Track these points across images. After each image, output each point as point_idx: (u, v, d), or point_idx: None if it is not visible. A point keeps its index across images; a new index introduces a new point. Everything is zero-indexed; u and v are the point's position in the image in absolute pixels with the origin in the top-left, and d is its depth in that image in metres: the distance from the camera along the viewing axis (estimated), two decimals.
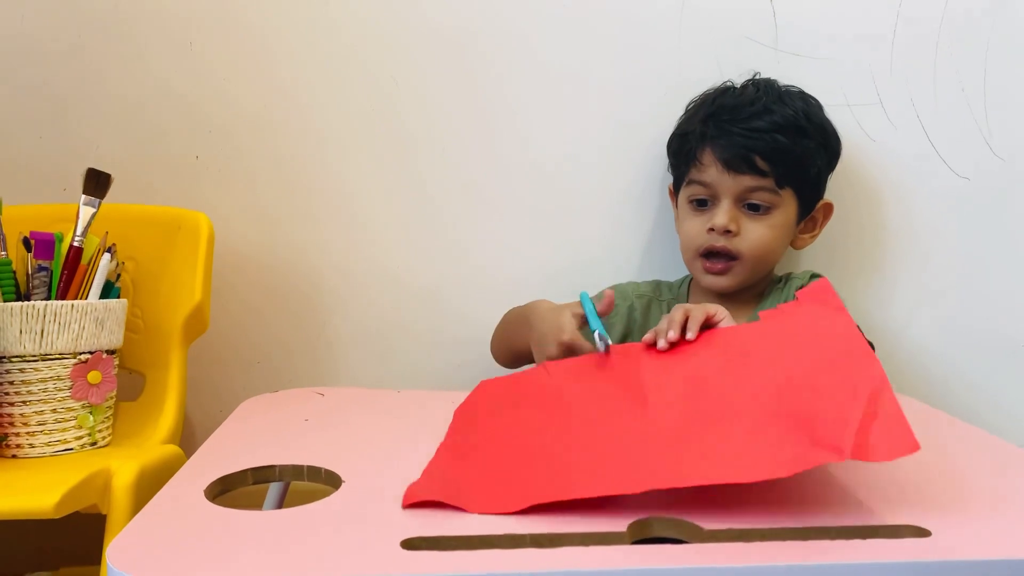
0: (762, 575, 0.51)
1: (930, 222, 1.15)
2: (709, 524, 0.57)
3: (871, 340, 0.93)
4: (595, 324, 0.84)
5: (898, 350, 1.15)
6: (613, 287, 1.08)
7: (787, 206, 1.00)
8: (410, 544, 0.54)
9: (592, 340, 0.82)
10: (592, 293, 0.95)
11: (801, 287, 1.01)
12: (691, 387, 0.71)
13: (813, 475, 0.67)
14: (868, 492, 0.64)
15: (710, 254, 1.01)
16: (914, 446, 0.55)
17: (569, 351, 0.86)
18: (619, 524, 0.57)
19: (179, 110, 1.15)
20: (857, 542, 0.54)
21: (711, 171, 1.00)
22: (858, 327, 0.92)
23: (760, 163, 0.98)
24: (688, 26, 1.12)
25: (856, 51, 1.12)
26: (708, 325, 0.79)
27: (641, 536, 0.57)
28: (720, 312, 0.80)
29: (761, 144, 0.98)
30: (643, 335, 0.97)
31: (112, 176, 0.94)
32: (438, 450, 0.71)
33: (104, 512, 0.79)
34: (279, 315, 1.18)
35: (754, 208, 0.99)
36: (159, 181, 1.15)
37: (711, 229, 1.00)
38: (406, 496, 0.61)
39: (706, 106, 1.05)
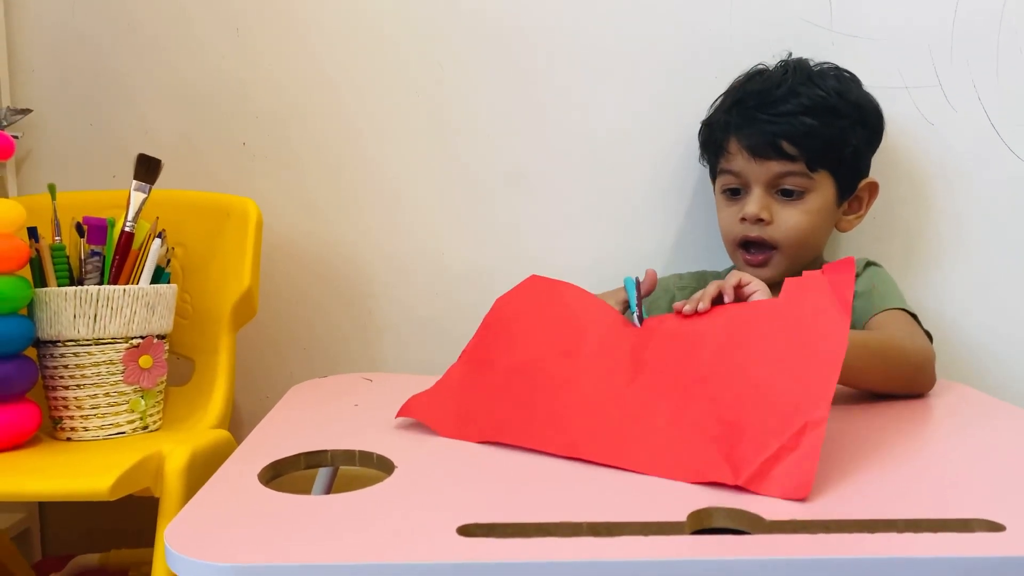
0: (826, 568, 0.49)
1: (989, 209, 1.11)
2: (771, 514, 0.55)
3: (928, 330, 0.91)
4: (633, 304, 0.83)
5: (954, 340, 1.11)
6: (659, 280, 1.06)
7: (823, 189, 0.97)
8: (466, 530, 0.53)
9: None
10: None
11: (856, 275, 0.98)
12: (671, 371, 0.72)
13: (880, 463, 0.65)
14: (937, 483, 0.62)
15: (748, 244, 0.99)
16: (805, 492, 0.57)
17: None
18: (679, 513, 0.56)
19: (226, 96, 1.15)
20: (927, 536, 0.52)
21: (739, 160, 0.98)
22: (916, 317, 0.91)
23: (787, 147, 0.94)
24: (740, 6, 1.10)
25: (915, 32, 1.08)
26: (739, 297, 0.78)
27: (701, 526, 0.56)
28: (754, 283, 0.78)
29: (787, 128, 0.94)
30: None
31: (162, 162, 0.95)
32: (460, 355, 0.81)
33: (157, 495, 0.80)
34: (327, 301, 1.18)
35: (787, 194, 0.96)
36: (208, 167, 1.16)
37: (743, 219, 0.97)
38: (403, 408, 0.75)
39: (732, 93, 1.03)
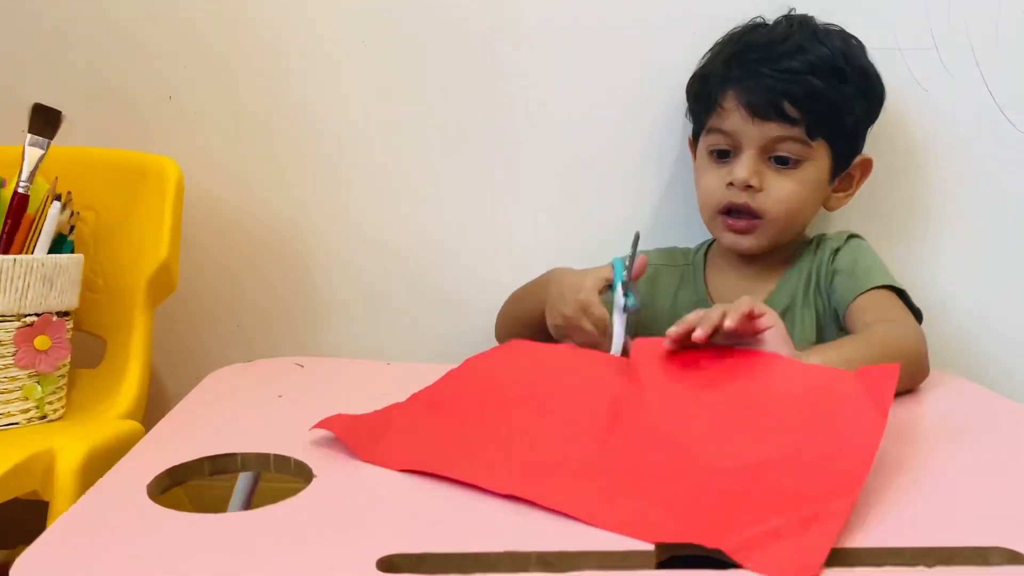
0: None
1: (985, 181, 1.03)
2: None
3: (918, 307, 0.85)
4: (616, 288, 0.77)
5: (944, 320, 1.04)
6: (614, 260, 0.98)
7: (819, 160, 0.89)
8: (388, 564, 0.43)
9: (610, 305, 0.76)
10: (605, 261, 0.84)
11: (837, 249, 0.92)
12: (662, 425, 0.60)
13: (876, 478, 0.56)
14: (942, 501, 0.53)
15: (731, 211, 0.90)
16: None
17: (583, 310, 0.80)
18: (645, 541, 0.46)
19: (151, 42, 1.03)
20: (940, 571, 0.44)
21: (734, 117, 0.89)
22: (905, 293, 0.83)
23: (790, 109, 0.86)
24: None
25: None
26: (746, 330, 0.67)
27: (672, 554, 0.47)
28: (768, 316, 0.67)
29: (793, 87, 0.86)
30: (651, 309, 0.92)
31: (63, 113, 0.83)
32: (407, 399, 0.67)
33: (47, 499, 0.69)
34: (259, 276, 1.07)
35: (782, 161, 0.88)
36: (126, 122, 1.04)
37: (731, 184, 0.89)
38: (323, 421, 0.62)
39: (731, 44, 0.94)
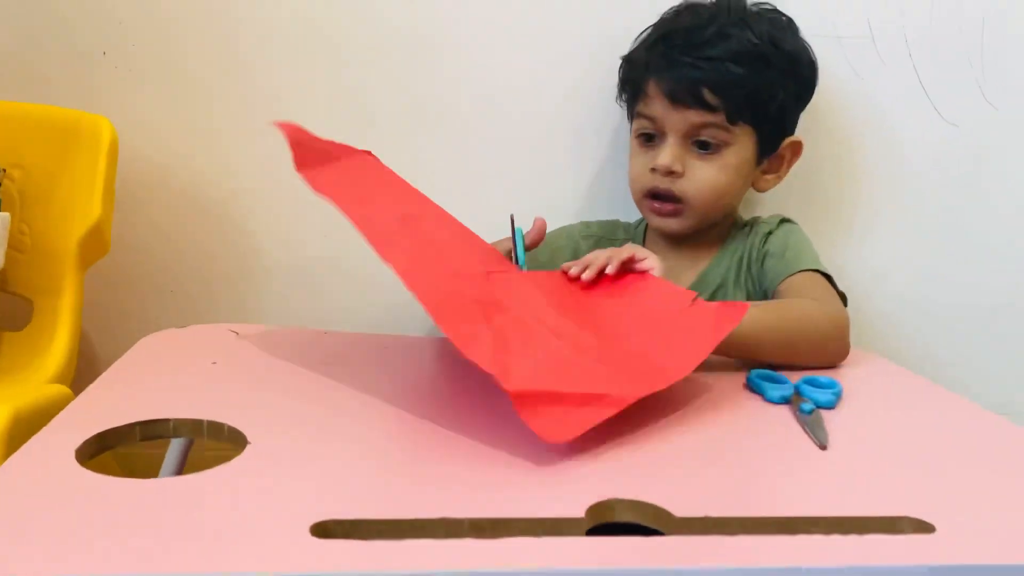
0: None
1: (913, 169, 1.07)
2: (681, 510, 0.48)
3: (843, 291, 0.87)
4: (520, 256, 0.81)
5: (872, 303, 1.08)
6: (563, 228, 0.99)
7: (742, 144, 0.90)
8: (322, 529, 0.44)
9: None
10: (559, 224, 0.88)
11: (769, 233, 0.94)
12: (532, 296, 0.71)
13: (794, 450, 0.59)
14: (857, 473, 0.56)
15: (656, 195, 0.92)
16: (558, 438, 0.53)
17: None
18: (577, 507, 0.48)
19: None
20: (853, 539, 0.46)
21: (656, 104, 0.90)
22: (830, 277, 0.86)
23: (709, 96, 0.87)
24: None
25: None
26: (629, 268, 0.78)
27: (602, 521, 0.49)
28: (649, 259, 0.77)
29: (711, 75, 0.87)
30: None
31: None
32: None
33: None
34: (195, 239, 1.05)
35: (704, 146, 0.89)
36: (56, 77, 1.00)
37: (654, 169, 0.90)
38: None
39: (658, 27, 0.94)
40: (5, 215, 0.81)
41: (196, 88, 1.02)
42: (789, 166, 0.97)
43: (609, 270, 0.76)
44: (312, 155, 0.66)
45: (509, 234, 0.84)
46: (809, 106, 1.00)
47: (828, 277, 0.87)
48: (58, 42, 1.00)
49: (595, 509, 0.48)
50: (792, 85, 0.92)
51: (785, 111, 0.93)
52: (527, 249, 0.81)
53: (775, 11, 0.94)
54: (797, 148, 0.96)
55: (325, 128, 1.02)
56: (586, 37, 1.03)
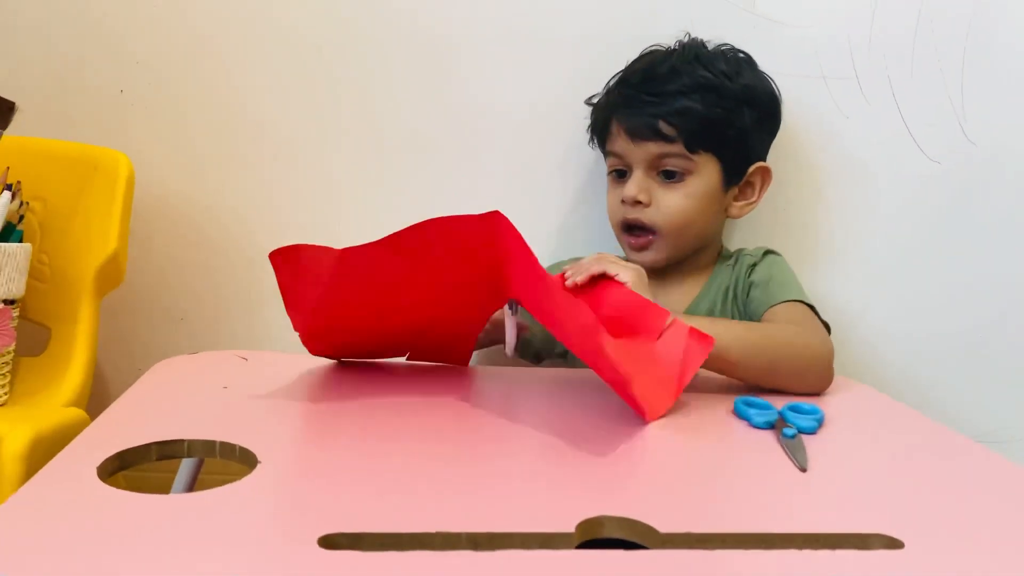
0: None
1: (897, 205, 1.11)
2: (666, 526, 0.51)
3: (827, 321, 0.90)
4: (509, 337, 0.82)
5: (855, 334, 1.11)
6: (551, 267, 1.03)
7: (706, 171, 0.94)
8: (329, 542, 0.47)
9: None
10: (545, 261, 0.90)
11: (754, 264, 0.96)
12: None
13: (775, 471, 0.62)
14: (834, 493, 0.59)
15: (630, 228, 0.96)
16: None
17: None
18: (567, 523, 0.51)
19: (103, 37, 1.04)
20: (825, 553, 0.49)
21: (620, 141, 0.95)
22: (814, 308, 0.89)
23: (665, 128, 0.92)
24: None
25: (835, 21, 1.06)
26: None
27: (591, 536, 0.52)
28: (623, 274, 0.80)
29: (664, 108, 0.92)
30: None
31: (16, 104, 0.84)
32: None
33: None
34: (205, 269, 1.09)
35: (669, 176, 0.94)
36: (76, 115, 1.05)
37: (624, 201, 0.95)
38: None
39: (619, 74, 1.00)
40: (26, 246, 0.84)
41: (206, 124, 1.07)
42: (761, 192, 0.99)
43: (578, 280, 0.80)
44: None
45: None
46: (796, 143, 1.04)
47: (812, 308, 0.90)
48: (79, 81, 1.05)
49: (585, 525, 0.51)
50: (750, 113, 0.94)
51: (745, 137, 0.95)
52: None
53: (732, 49, 0.99)
54: (766, 173, 0.99)
55: (326, 157, 1.07)
56: (568, 78, 1.07)
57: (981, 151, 1.09)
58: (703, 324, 0.77)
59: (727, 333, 0.78)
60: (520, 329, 0.83)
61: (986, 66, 1.07)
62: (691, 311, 0.96)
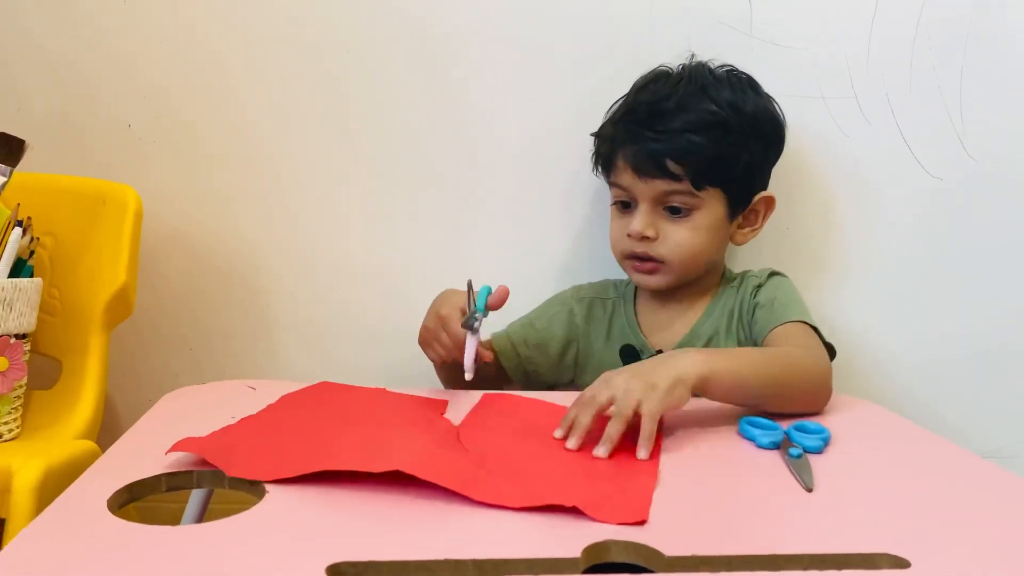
0: None
1: (899, 222, 1.11)
2: (671, 549, 0.51)
3: (831, 343, 0.90)
4: (479, 306, 0.82)
5: (861, 352, 1.11)
6: (556, 296, 1.05)
7: (712, 205, 0.93)
8: (336, 570, 0.47)
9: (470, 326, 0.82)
10: (551, 286, 0.91)
11: (759, 285, 0.97)
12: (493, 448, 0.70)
13: (780, 491, 0.62)
14: (839, 512, 0.59)
15: (634, 256, 0.96)
16: (641, 517, 0.55)
17: (442, 324, 0.85)
18: (573, 548, 0.51)
19: (112, 73, 1.07)
20: (831, 573, 0.49)
21: (626, 175, 0.95)
22: (817, 329, 0.89)
23: (672, 167, 0.91)
24: (660, 7, 1.06)
25: (832, 42, 1.07)
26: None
27: (597, 561, 0.52)
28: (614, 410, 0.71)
29: (672, 146, 0.91)
30: (587, 340, 1.01)
31: (26, 142, 0.86)
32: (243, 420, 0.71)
33: (3, 516, 0.71)
34: (213, 300, 1.10)
35: (675, 211, 0.93)
36: (85, 150, 1.07)
37: (629, 235, 0.94)
38: (177, 444, 0.62)
39: (624, 103, 0.99)
40: (37, 280, 0.85)
41: (212, 157, 1.09)
42: (765, 219, 0.99)
43: (601, 453, 0.68)
44: (221, 452, 0.63)
45: (490, 287, 0.86)
46: (797, 163, 1.05)
47: (815, 330, 0.90)
48: (88, 116, 1.07)
49: (591, 549, 0.52)
50: (756, 145, 0.95)
51: (752, 170, 0.96)
52: (488, 309, 0.83)
53: (735, 72, 0.98)
54: (770, 202, 0.99)
55: (329, 190, 1.09)
56: (569, 101, 1.08)
57: (982, 166, 1.09)
58: (720, 357, 0.77)
59: (745, 366, 0.78)
60: (481, 357, 0.84)
61: (984, 81, 1.08)
62: (695, 332, 0.97)
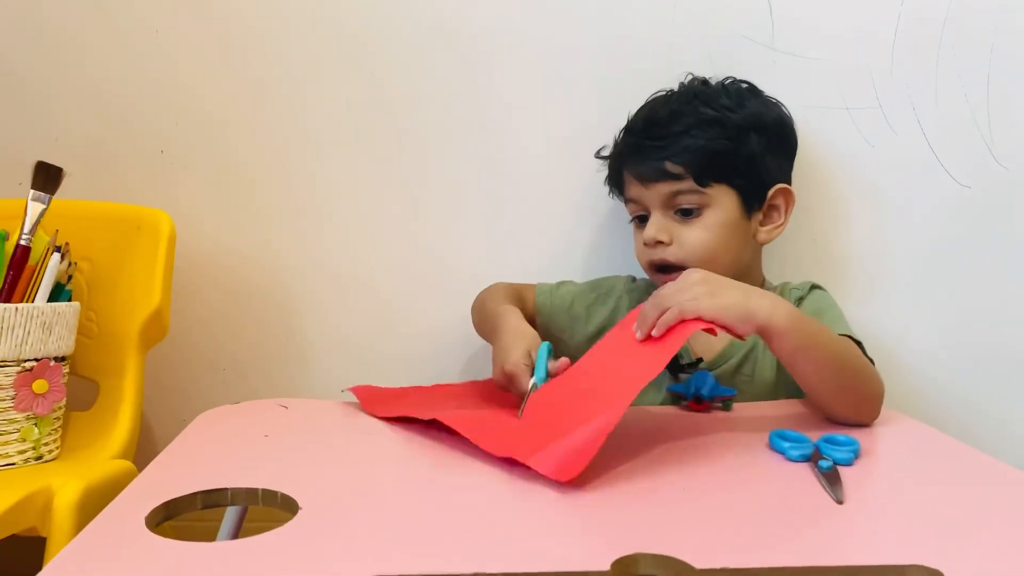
0: None
1: (930, 230, 1.10)
2: (701, 562, 0.51)
3: (870, 356, 0.88)
4: (539, 376, 0.82)
5: (895, 361, 1.10)
6: (615, 276, 1.07)
7: (722, 202, 0.94)
8: None
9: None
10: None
11: (801, 298, 0.96)
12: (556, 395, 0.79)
13: (814, 504, 0.62)
14: (871, 525, 0.59)
15: (661, 268, 0.96)
16: (564, 476, 0.62)
17: (509, 382, 0.85)
18: (602, 560, 0.51)
19: (144, 101, 1.09)
20: None
21: (633, 187, 0.97)
22: (862, 345, 0.88)
23: (672, 167, 0.93)
24: (682, 21, 1.07)
25: (855, 52, 1.07)
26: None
27: (627, 574, 0.52)
28: (691, 307, 0.74)
29: (669, 148, 0.93)
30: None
31: (64, 170, 0.88)
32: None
33: (45, 535, 0.73)
34: (246, 320, 1.12)
35: (686, 213, 0.94)
36: (120, 176, 1.09)
37: (645, 243, 0.96)
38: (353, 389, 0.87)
39: (626, 125, 1.02)
40: (75, 304, 0.88)
41: (243, 181, 1.11)
42: (787, 214, 0.98)
43: (655, 332, 0.74)
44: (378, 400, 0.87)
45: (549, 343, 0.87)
46: (823, 175, 1.05)
47: (860, 344, 0.88)
48: (122, 143, 1.09)
49: (620, 563, 0.52)
50: (756, 138, 0.94)
51: (756, 162, 0.95)
52: (549, 376, 0.83)
53: (734, 82, 1.00)
54: (788, 195, 0.98)
55: (359, 210, 1.10)
56: (588, 119, 1.09)
57: (1011, 172, 1.08)
58: (797, 314, 0.76)
59: (818, 335, 0.77)
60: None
61: (1011, 87, 1.07)
62: (734, 342, 0.96)
